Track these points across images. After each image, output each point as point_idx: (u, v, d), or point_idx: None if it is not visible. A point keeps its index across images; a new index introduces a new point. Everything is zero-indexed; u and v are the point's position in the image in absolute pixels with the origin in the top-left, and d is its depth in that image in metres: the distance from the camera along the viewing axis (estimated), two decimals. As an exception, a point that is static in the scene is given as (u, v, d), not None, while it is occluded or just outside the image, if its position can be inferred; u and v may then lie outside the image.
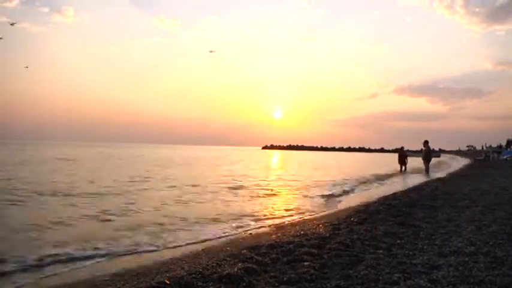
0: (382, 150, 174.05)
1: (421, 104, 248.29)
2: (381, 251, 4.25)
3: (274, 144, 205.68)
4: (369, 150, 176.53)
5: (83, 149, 70.22)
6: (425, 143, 20.72)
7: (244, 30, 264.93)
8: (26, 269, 4.29)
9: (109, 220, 7.20)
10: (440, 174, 20.32)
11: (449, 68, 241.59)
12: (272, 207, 9.17)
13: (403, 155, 24.10)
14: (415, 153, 44.26)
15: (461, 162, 40.44)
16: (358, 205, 8.59)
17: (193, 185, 13.65)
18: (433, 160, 25.28)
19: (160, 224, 6.81)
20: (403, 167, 23.75)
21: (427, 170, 20.75)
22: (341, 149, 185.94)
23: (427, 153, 21.03)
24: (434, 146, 47.50)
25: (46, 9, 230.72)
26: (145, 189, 12.31)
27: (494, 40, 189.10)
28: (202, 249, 5.07)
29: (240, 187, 13.49)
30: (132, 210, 8.27)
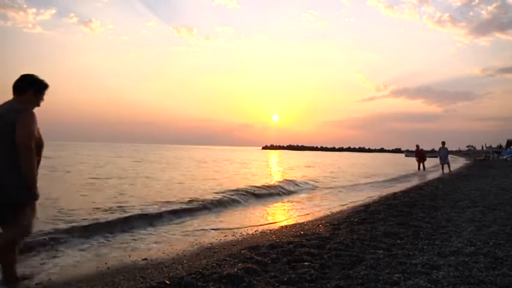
0: (381, 150, 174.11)
1: (418, 105, 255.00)
2: (381, 251, 4.25)
3: (274, 145, 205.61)
4: (369, 150, 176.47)
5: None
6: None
7: (253, 39, 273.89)
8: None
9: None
10: (439, 174, 20.30)
11: (442, 73, 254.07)
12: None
13: (421, 153, 24.74)
14: (411, 153, 46.71)
15: (461, 163, 40.39)
16: (358, 205, 8.58)
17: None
18: (429, 161, 26.37)
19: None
20: (422, 166, 24.54)
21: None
22: (341, 149, 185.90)
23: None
24: (433, 146, 48.33)
25: (75, 20, 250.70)
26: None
27: (480, 49, 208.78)
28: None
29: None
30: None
